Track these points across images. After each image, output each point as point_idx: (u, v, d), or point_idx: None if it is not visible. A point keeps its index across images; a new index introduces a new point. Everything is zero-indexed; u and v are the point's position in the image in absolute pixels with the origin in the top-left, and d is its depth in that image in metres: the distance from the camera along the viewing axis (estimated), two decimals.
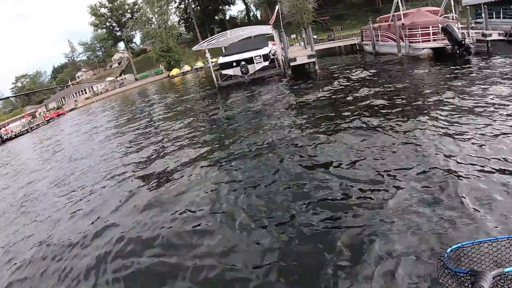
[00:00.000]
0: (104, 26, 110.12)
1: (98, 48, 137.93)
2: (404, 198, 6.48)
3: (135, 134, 21.56)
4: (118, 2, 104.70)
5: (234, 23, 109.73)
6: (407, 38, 24.32)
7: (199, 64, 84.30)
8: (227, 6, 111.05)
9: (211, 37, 35.14)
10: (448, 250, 2.58)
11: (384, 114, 11.75)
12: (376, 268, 4.96)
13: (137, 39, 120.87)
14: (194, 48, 34.77)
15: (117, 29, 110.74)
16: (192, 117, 21.64)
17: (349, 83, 19.08)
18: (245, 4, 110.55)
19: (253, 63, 29.92)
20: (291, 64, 26.31)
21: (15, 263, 8.57)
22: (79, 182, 14.35)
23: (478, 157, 7.39)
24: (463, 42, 19.78)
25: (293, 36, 64.34)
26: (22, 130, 66.94)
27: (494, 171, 6.74)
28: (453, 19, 23.51)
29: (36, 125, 71.50)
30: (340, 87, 18.53)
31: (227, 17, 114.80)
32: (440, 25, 22.02)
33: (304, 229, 6.31)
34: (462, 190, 6.29)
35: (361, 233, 5.82)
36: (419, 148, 8.49)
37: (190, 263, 6.33)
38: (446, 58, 20.79)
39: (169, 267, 6.43)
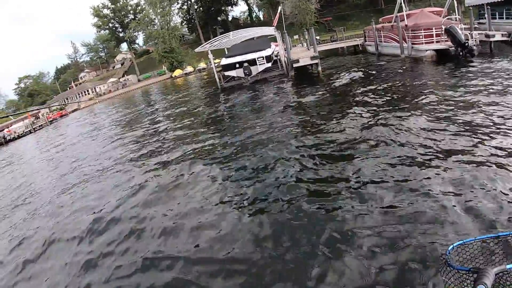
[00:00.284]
0: (107, 27, 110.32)
1: (101, 49, 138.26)
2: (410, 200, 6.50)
3: (137, 135, 21.66)
4: (120, 3, 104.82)
5: (236, 24, 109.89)
6: (410, 40, 24.27)
7: (202, 65, 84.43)
8: (229, 7, 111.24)
9: (213, 39, 35.21)
10: (450, 248, 2.56)
11: (386, 116, 11.76)
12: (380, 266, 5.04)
13: (140, 40, 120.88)
14: (197, 49, 34.87)
15: (120, 30, 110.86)
16: (195, 118, 21.72)
17: (352, 85, 19.07)
18: (248, 5, 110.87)
19: (256, 64, 29.90)
20: (294, 65, 26.28)
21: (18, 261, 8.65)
22: (83, 178, 14.53)
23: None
24: (466, 44, 19.73)
25: (296, 37, 64.36)
26: (25, 131, 67.15)
27: None
28: (456, 20, 23.47)
29: (39, 126, 71.65)
30: (343, 89, 18.53)
31: (230, 18, 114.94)
32: (443, 27, 21.96)
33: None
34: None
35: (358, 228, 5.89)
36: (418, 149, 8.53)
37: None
38: (449, 59, 20.73)
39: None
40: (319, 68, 26.14)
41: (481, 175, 6.87)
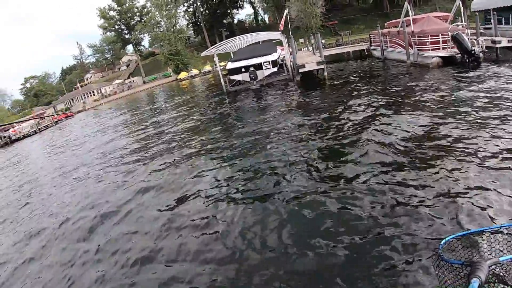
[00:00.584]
0: (113, 29, 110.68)
1: (107, 51, 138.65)
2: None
3: (142, 136, 22.02)
4: (127, 5, 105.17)
5: (242, 27, 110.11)
6: (416, 46, 24.22)
7: (207, 67, 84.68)
8: (235, 10, 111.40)
9: (220, 43, 35.31)
10: (443, 242, 2.59)
11: (392, 123, 11.82)
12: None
13: (146, 42, 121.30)
14: (203, 53, 34.94)
15: (126, 32, 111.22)
16: (200, 121, 21.95)
17: (358, 92, 19.01)
18: (253, 8, 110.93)
19: (262, 69, 29.92)
20: (300, 70, 26.31)
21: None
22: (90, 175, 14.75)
23: None
24: (473, 51, 19.70)
25: (301, 40, 64.37)
26: (30, 131, 67.52)
27: None
28: (462, 26, 23.43)
29: (45, 126, 72.03)
30: (349, 95, 18.49)
31: (235, 21, 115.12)
32: (450, 33, 21.92)
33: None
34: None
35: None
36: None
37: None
38: (455, 66, 20.70)
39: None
40: (325, 73, 26.17)
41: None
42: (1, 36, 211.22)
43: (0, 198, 18.04)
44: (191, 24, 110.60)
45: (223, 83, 32.43)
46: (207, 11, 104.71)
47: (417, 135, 10.15)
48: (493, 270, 2.29)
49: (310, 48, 48.27)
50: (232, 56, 36.57)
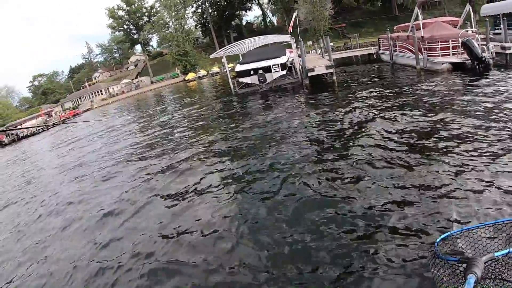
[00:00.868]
0: (122, 28, 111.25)
1: (115, 50, 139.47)
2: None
3: (149, 136, 22.26)
4: (135, 5, 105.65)
5: (250, 28, 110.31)
6: (426, 52, 24.15)
7: (215, 69, 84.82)
8: (243, 12, 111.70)
9: (229, 45, 35.39)
10: (438, 240, 2.64)
11: (401, 128, 11.89)
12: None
13: (154, 42, 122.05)
14: (212, 55, 35.06)
15: (134, 32, 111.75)
16: (208, 123, 22.12)
17: (367, 96, 19.04)
18: (262, 10, 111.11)
19: (271, 71, 29.91)
20: (309, 74, 26.31)
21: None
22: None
23: None
24: (483, 58, 19.68)
25: (309, 43, 64.39)
26: (37, 129, 67.80)
27: None
28: (472, 32, 23.35)
29: (52, 124, 72.37)
30: (358, 100, 18.47)
31: (244, 23, 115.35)
32: (460, 39, 21.87)
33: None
34: None
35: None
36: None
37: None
38: (465, 72, 20.64)
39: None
40: (334, 78, 26.11)
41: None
42: (11, 35, 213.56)
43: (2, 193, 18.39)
44: (199, 25, 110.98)
45: (231, 85, 32.54)
46: (215, 12, 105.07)
47: (424, 139, 10.31)
48: (489, 265, 2.34)
49: (319, 51, 48.29)
50: (241, 58, 36.59)
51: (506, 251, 2.31)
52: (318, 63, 29.42)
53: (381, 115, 14.12)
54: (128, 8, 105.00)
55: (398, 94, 18.09)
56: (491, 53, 20.90)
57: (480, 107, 12.78)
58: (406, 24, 30.16)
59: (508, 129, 9.81)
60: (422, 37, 24.43)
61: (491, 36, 24.07)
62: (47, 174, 20.10)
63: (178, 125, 23.92)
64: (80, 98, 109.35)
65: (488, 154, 8.51)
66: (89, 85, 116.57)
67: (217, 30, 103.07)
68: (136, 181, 12.97)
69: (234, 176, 10.98)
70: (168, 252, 7.45)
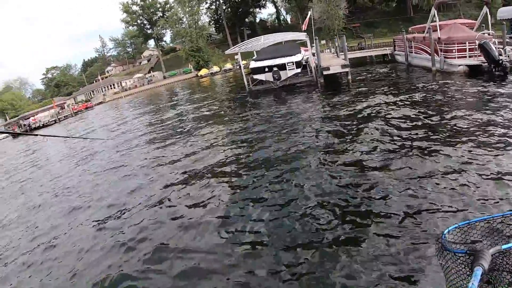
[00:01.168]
0: (135, 23, 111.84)
1: (128, 45, 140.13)
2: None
3: (162, 132, 22.46)
4: (150, 0, 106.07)
5: (264, 26, 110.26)
6: (442, 53, 24.08)
7: (228, 65, 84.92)
8: (257, 9, 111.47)
9: (244, 42, 35.51)
10: (446, 231, 2.61)
11: (418, 134, 11.68)
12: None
13: (167, 37, 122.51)
14: (227, 51, 35.14)
15: (148, 27, 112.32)
16: (221, 120, 22.29)
17: (382, 97, 18.95)
18: (276, 7, 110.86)
19: (286, 69, 29.93)
20: (324, 73, 26.31)
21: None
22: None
23: None
24: (500, 61, 19.61)
25: (323, 42, 64.24)
26: (50, 120, 68.57)
27: None
28: (489, 34, 23.24)
29: (64, 116, 73.11)
30: (374, 100, 18.38)
31: (257, 20, 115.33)
32: (477, 42, 21.76)
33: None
34: None
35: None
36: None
37: None
38: (481, 75, 20.54)
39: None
40: (349, 77, 26.08)
41: None
42: (25, 28, 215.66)
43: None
44: (213, 22, 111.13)
45: (245, 82, 32.61)
46: (229, 9, 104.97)
47: (438, 140, 10.30)
48: (496, 258, 2.31)
49: (333, 50, 48.19)
50: (255, 56, 36.66)
51: None
52: (334, 62, 29.42)
53: (396, 116, 14.06)
54: (142, 3, 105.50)
55: (414, 95, 18.00)
56: (508, 56, 20.78)
57: (499, 111, 12.71)
58: (422, 25, 30.07)
59: None
60: (439, 38, 24.33)
61: (508, 39, 23.90)
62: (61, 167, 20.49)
63: (191, 118, 24.18)
64: (92, 91, 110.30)
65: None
66: (102, 79, 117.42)
67: (230, 27, 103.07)
68: (144, 180, 13.11)
69: (249, 165, 11.34)
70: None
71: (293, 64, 29.80)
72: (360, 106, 17.67)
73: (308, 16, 44.23)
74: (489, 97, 15.32)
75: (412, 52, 30.01)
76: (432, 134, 10.92)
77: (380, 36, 66.84)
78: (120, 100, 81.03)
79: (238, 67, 74.13)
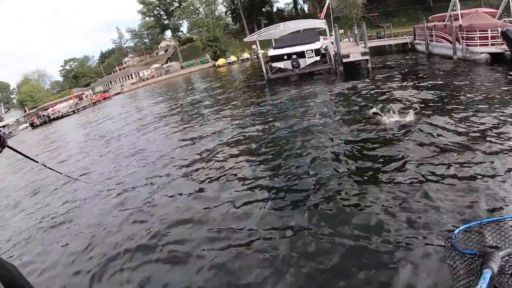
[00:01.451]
0: (152, 14, 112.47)
1: (145, 36, 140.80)
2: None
3: (179, 120, 22.62)
4: None
5: (281, 15, 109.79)
6: (464, 41, 23.77)
7: (246, 55, 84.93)
8: None
9: (263, 29, 35.43)
10: (456, 232, 2.62)
11: (437, 119, 11.38)
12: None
13: (184, 28, 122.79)
14: (246, 39, 35.15)
15: (165, 17, 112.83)
16: (239, 105, 22.67)
17: (404, 85, 18.66)
18: None
19: (305, 57, 29.80)
20: (344, 60, 26.22)
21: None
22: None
23: None
24: None
25: (341, 31, 63.78)
26: (68, 111, 69.81)
27: None
28: (511, 22, 22.89)
29: (83, 106, 74.32)
30: (395, 88, 18.11)
31: (274, 9, 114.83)
32: (499, 29, 21.45)
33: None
34: None
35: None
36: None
37: None
38: (504, 63, 20.24)
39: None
40: (369, 65, 25.91)
41: None
42: (43, 20, 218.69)
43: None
44: (229, 11, 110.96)
45: (264, 70, 32.58)
46: None
47: (460, 132, 9.82)
48: (506, 260, 2.29)
49: (351, 39, 47.91)
50: (274, 44, 36.60)
51: None
52: (353, 49, 29.29)
53: (418, 104, 13.47)
54: None
55: (435, 83, 17.78)
56: None
57: None
58: (442, 14, 29.72)
59: None
60: (460, 25, 24.03)
61: None
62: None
63: (207, 108, 24.52)
64: (110, 82, 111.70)
65: None
66: (119, 70, 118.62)
67: (247, 17, 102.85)
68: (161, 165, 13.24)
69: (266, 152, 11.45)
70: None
71: (312, 52, 29.65)
72: (381, 93, 17.56)
73: (326, 5, 44.06)
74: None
75: (432, 41, 29.69)
76: (457, 127, 10.56)
77: (399, 26, 66.18)
78: (138, 90, 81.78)
79: (255, 56, 74.19)
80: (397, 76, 22.21)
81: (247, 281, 5.40)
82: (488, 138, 8.88)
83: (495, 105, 11.80)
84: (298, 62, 29.69)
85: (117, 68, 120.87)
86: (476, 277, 2.27)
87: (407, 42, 37.83)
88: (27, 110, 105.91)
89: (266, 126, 15.19)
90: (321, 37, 35.25)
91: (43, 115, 70.88)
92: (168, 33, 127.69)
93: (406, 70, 24.42)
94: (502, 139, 8.69)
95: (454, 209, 5.98)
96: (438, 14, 33.49)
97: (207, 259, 6.22)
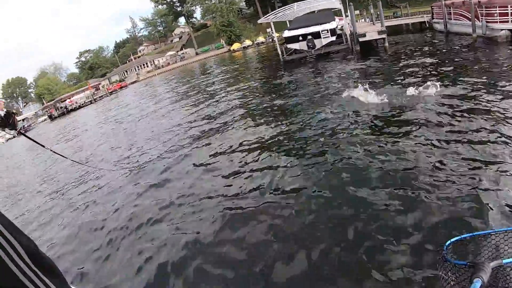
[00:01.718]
0: (165, 2, 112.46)
1: (159, 24, 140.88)
2: None
3: (195, 105, 22.57)
4: None
5: None
6: (483, 18, 23.26)
7: (261, 39, 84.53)
8: None
9: (277, 10, 35.16)
10: (448, 243, 2.61)
11: (455, 98, 11.04)
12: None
13: (198, 14, 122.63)
14: (260, 20, 35.08)
15: (178, 4, 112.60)
16: (256, 89, 22.38)
17: (423, 64, 18.08)
18: None
19: (320, 37, 29.54)
20: (360, 40, 25.91)
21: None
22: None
23: None
24: None
25: (357, 12, 62.87)
26: (86, 101, 70.87)
27: None
28: None
29: (100, 96, 75.27)
30: (414, 67, 17.60)
31: None
32: None
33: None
34: None
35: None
36: None
37: None
38: None
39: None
40: (386, 44, 25.57)
41: None
42: (56, 14, 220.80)
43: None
44: None
45: (279, 52, 32.49)
46: None
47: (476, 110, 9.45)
48: (496, 272, 2.31)
49: (367, 19, 47.31)
50: (289, 25, 36.32)
51: None
52: (370, 28, 28.93)
53: (438, 84, 12.85)
54: None
55: (455, 62, 17.32)
56: None
57: None
58: None
59: None
60: (479, 2, 23.53)
61: None
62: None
63: (224, 92, 24.53)
64: (126, 71, 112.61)
65: None
66: (135, 59, 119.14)
67: (261, 1, 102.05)
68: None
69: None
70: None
71: (328, 32, 29.37)
72: (400, 72, 17.29)
73: None
74: None
75: (451, 19, 29.13)
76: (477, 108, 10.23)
77: (415, 5, 64.87)
78: (154, 78, 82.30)
79: (270, 40, 73.88)
80: (415, 54, 21.74)
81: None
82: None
83: None
84: (313, 42, 29.47)
85: (132, 57, 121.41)
86: (467, 287, 2.32)
87: (425, 21, 37.15)
88: (45, 103, 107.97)
89: (283, 101, 15.28)
90: (336, 17, 34.87)
91: (61, 107, 72.13)
92: (182, 20, 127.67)
93: (424, 48, 23.88)
94: None
95: None
96: None
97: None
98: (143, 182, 10.23)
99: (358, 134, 9.48)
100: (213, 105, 19.80)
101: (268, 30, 73.45)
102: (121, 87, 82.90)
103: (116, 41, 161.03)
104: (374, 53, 25.48)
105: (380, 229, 5.33)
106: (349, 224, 5.66)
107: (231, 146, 11.23)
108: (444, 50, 21.87)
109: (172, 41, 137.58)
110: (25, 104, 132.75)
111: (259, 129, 12.10)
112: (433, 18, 34.74)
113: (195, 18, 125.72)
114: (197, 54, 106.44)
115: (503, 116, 8.54)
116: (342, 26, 33.31)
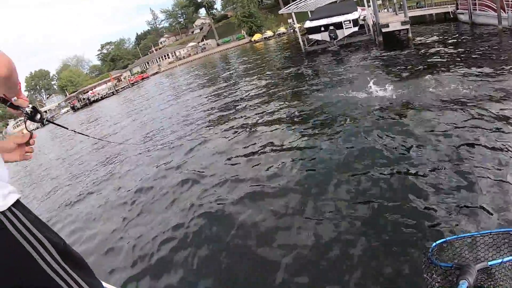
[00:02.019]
0: None
1: (179, 15, 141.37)
2: None
3: (217, 95, 22.80)
4: None
5: None
6: (510, 9, 22.84)
7: (282, 29, 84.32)
8: None
9: (298, 0, 35.07)
10: (433, 245, 2.66)
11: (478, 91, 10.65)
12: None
13: (218, 5, 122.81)
14: (281, 11, 35.02)
15: None
16: (278, 81, 22.31)
17: (447, 56, 17.68)
18: None
19: (342, 28, 29.39)
20: (383, 30, 25.68)
21: None
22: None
23: None
24: None
25: (379, 2, 62.01)
26: (108, 93, 71.88)
27: None
28: None
29: (122, 87, 76.14)
30: (438, 59, 17.29)
31: None
32: None
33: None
34: None
35: None
36: None
37: None
38: None
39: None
40: (410, 34, 25.28)
41: None
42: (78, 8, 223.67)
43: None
44: None
45: (301, 43, 32.35)
46: None
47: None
48: (482, 273, 2.37)
49: (390, 9, 46.77)
50: (310, 15, 36.11)
51: (499, 260, 2.37)
52: (393, 19, 28.64)
53: (463, 77, 12.58)
54: None
55: (481, 53, 16.92)
56: None
57: None
58: None
59: None
60: None
61: None
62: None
63: (245, 82, 24.78)
64: (147, 62, 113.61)
65: None
66: (156, 50, 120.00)
67: None
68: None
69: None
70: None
71: (350, 22, 29.19)
72: (424, 63, 17.09)
73: None
74: None
75: (476, 10, 28.62)
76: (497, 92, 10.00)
77: None
78: (175, 68, 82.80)
79: (292, 30, 73.54)
80: (439, 45, 21.47)
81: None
82: None
83: None
84: (335, 33, 29.28)
85: (153, 49, 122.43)
86: None
87: (449, 12, 36.46)
88: (67, 94, 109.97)
89: (306, 90, 15.69)
90: (358, 7, 34.55)
91: (83, 98, 73.52)
92: (202, 11, 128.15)
93: (449, 39, 23.47)
94: None
95: None
96: None
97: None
98: (169, 161, 10.90)
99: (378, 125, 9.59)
100: (234, 94, 20.22)
101: (290, 20, 73.05)
102: (142, 78, 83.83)
103: (137, 33, 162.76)
104: (398, 44, 25.15)
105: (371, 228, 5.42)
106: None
107: (251, 128, 11.93)
108: (468, 42, 21.46)
109: (193, 32, 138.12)
110: (48, 96, 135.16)
111: (283, 127, 11.87)
112: (457, 9, 34.12)
113: (216, 9, 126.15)
114: (218, 45, 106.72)
115: None
116: (364, 17, 32.99)
